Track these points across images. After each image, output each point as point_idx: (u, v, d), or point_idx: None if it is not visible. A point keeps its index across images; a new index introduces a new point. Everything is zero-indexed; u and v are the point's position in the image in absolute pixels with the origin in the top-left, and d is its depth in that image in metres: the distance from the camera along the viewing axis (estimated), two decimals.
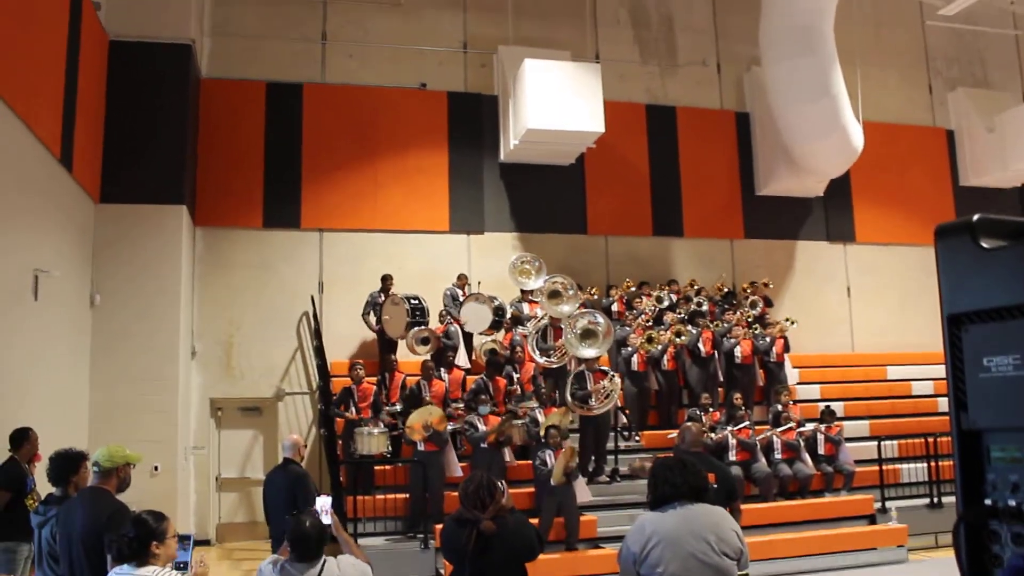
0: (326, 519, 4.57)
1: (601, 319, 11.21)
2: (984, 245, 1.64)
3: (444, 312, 12.78)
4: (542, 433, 10.15)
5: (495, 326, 12.56)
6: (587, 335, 11.13)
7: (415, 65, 14.64)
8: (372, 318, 12.75)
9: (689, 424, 7.05)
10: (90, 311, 11.31)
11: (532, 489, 10.10)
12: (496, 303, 12.55)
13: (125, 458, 4.96)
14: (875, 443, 11.99)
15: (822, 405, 12.62)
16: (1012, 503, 1.63)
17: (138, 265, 11.61)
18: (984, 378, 1.65)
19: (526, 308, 12.98)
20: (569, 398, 10.91)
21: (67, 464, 5.35)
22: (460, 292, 13.08)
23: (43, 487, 6.24)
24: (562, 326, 11.58)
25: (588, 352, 11.10)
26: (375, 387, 11.31)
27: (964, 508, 1.70)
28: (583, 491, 9.94)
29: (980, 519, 1.66)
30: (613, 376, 11.24)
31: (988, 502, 1.67)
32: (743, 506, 10.01)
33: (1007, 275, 1.59)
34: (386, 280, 12.84)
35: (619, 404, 12.15)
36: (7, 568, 6.57)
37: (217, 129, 13.52)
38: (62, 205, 10.21)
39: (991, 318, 1.63)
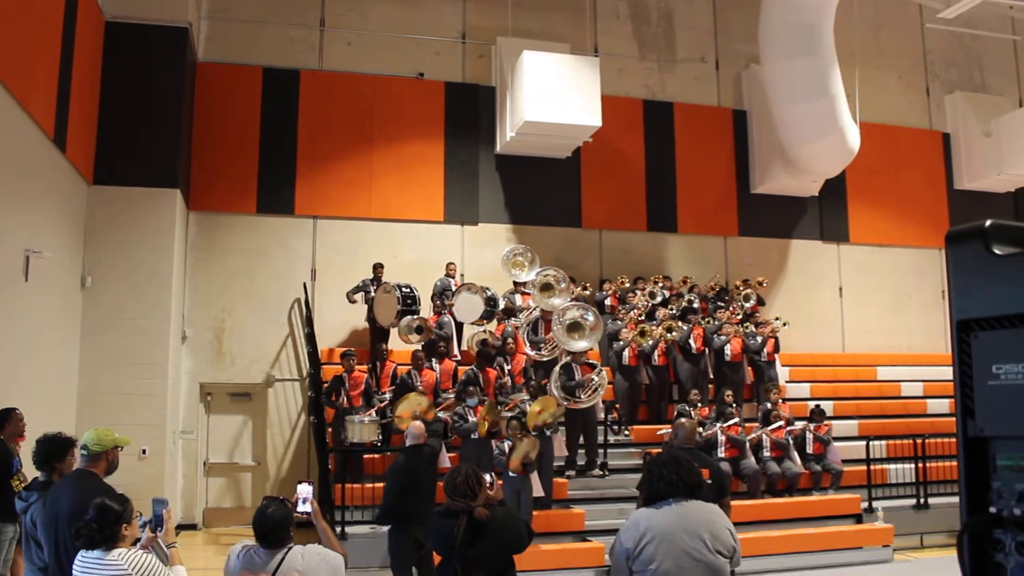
0: (306, 507, 4.53)
1: (591, 314, 11.20)
2: (996, 251, 1.62)
3: (437, 302, 12.75)
4: (508, 425, 10.02)
5: (487, 316, 12.54)
6: (574, 328, 11.13)
7: (413, 54, 14.60)
8: (359, 298, 12.76)
9: (683, 420, 7.05)
10: (81, 293, 11.24)
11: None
12: (488, 293, 12.53)
13: (114, 441, 4.93)
14: (863, 443, 12.05)
15: (812, 404, 12.65)
16: (1017, 512, 1.62)
17: (130, 248, 11.53)
18: (992, 385, 1.64)
19: (519, 300, 12.97)
20: (555, 390, 10.88)
21: (54, 449, 5.25)
22: (452, 282, 13.06)
23: (29, 468, 6.21)
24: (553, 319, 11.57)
25: (576, 345, 11.09)
26: (366, 375, 11.29)
27: (968, 516, 1.68)
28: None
29: (985, 528, 1.65)
30: (601, 370, 11.24)
31: (993, 510, 1.66)
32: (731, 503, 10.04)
33: (1019, 282, 1.57)
34: (377, 268, 12.84)
35: (610, 398, 12.18)
36: None
37: (212, 113, 13.45)
38: (55, 186, 10.13)
39: (1002, 325, 1.62)
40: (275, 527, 4.06)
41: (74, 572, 4.05)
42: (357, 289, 12.85)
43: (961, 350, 1.69)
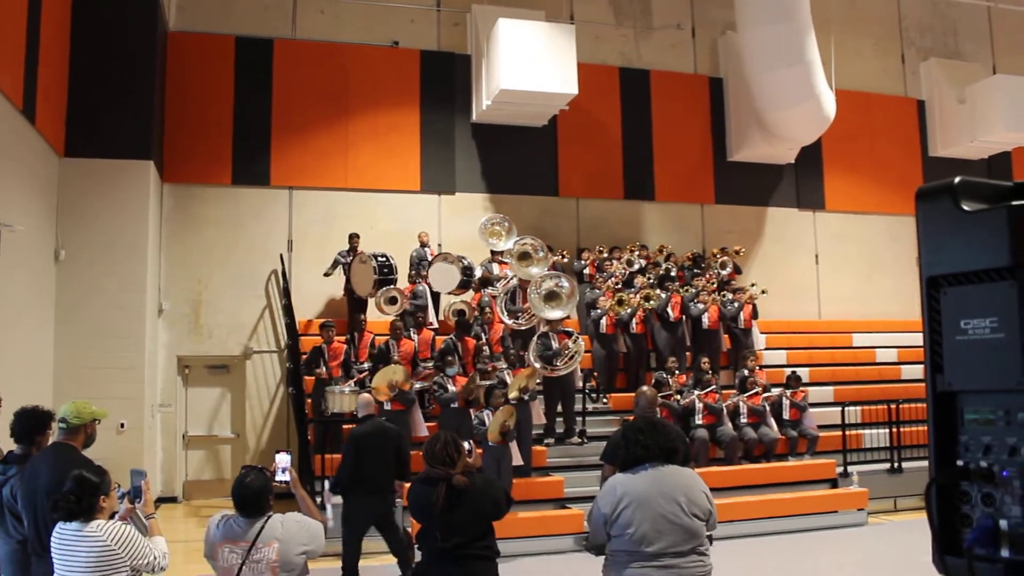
0: (284, 476, 4.54)
1: (566, 282, 11.23)
2: (965, 207, 1.64)
3: (413, 272, 12.74)
4: (490, 394, 10.05)
5: (463, 286, 12.53)
6: (551, 297, 11.17)
7: (387, 22, 14.44)
8: (337, 273, 12.73)
9: (644, 389, 7.11)
10: (55, 267, 11.12)
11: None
12: (465, 263, 12.52)
13: (92, 414, 4.91)
14: (839, 409, 12.17)
15: (788, 371, 12.75)
16: (984, 464, 1.64)
17: (104, 221, 11.41)
18: (961, 340, 1.66)
19: (496, 269, 12.97)
20: (532, 358, 10.90)
21: (33, 422, 5.20)
22: (427, 252, 13.04)
23: (6, 443, 6.16)
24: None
25: (553, 313, 11.14)
26: (345, 346, 11.29)
27: (937, 470, 1.71)
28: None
29: (952, 480, 1.68)
30: (578, 337, 11.28)
31: (960, 463, 1.69)
32: (705, 469, 10.16)
33: (987, 238, 1.59)
34: (353, 239, 12.79)
35: (588, 367, 12.23)
36: None
37: (185, 84, 13.27)
38: (24, 158, 9.97)
39: (970, 280, 1.64)
40: (254, 496, 4.07)
41: (52, 544, 4.03)
42: (334, 264, 12.82)
43: (931, 306, 1.71)
